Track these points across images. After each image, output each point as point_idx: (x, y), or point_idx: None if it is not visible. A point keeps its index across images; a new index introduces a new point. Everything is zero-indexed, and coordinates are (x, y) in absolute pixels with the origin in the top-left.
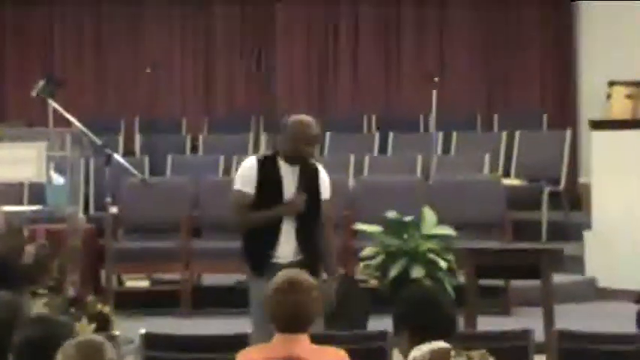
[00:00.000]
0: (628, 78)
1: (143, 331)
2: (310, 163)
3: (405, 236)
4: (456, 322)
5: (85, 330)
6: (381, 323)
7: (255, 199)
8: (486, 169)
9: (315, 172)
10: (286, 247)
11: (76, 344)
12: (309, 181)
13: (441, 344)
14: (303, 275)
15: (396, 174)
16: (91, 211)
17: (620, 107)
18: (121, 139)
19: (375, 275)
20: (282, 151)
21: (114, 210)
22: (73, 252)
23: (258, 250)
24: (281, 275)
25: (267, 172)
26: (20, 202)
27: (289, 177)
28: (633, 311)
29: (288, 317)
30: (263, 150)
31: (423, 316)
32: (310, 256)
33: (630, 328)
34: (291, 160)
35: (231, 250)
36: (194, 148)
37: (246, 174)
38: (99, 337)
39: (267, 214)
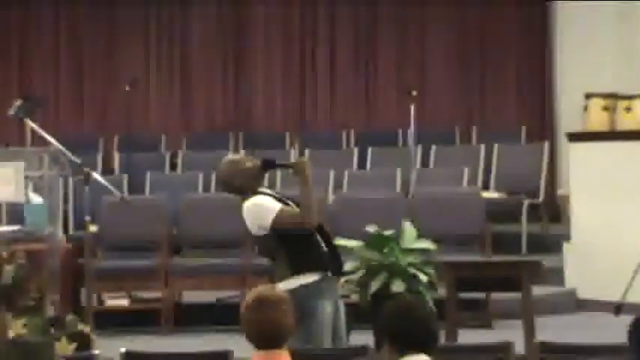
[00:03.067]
0: (604, 90)
1: (124, 349)
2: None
3: (386, 251)
4: (437, 335)
5: (66, 350)
6: (362, 338)
7: None
8: (465, 183)
9: (272, 160)
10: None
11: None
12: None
13: (422, 357)
14: (271, 290)
15: (375, 189)
16: (71, 230)
17: (597, 119)
18: (99, 158)
19: (356, 290)
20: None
21: (93, 229)
22: (52, 272)
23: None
24: (250, 294)
25: (277, 198)
26: None
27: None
28: (613, 322)
29: (262, 334)
30: None
31: (403, 329)
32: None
33: (610, 339)
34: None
35: (211, 267)
36: (173, 166)
37: (264, 202)
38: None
39: (304, 190)
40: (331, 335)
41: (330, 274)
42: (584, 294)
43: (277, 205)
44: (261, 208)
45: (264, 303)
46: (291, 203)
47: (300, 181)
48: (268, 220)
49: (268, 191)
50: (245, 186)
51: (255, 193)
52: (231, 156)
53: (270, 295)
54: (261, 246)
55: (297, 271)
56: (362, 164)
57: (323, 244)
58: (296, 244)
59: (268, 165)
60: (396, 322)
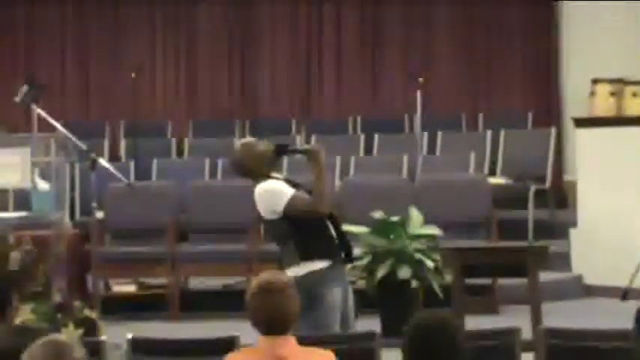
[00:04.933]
0: (611, 75)
1: (130, 335)
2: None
3: (392, 237)
4: (465, 354)
5: (72, 335)
6: (368, 324)
7: None
8: (472, 169)
9: (285, 145)
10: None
11: (41, 344)
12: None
13: None
14: (276, 275)
15: (382, 175)
16: (77, 216)
17: (603, 104)
18: (106, 144)
19: (363, 276)
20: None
21: (100, 215)
22: (59, 258)
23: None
24: (255, 279)
25: (290, 183)
26: (5, 209)
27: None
28: (620, 308)
29: (268, 320)
30: None
31: (433, 346)
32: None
33: (617, 324)
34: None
35: (218, 253)
36: (179, 152)
37: (277, 187)
38: (65, 338)
39: (318, 177)
40: (340, 322)
41: (339, 260)
42: (590, 280)
43: (290, 191)
44: (274, 193)
45: (269, 289)
46: (302, 190)
47: (314, 168)
48: (281, 205)
49: (281, 176)
50: (257, 170)
51: (268, 177)
52: (244, 139)
53: (276, 280)
54: (271, 231)
55: (306, 258)
56: (368, 150)
57: (333, 231)
58: (307, 230)
59: (282, 150)
60: (418, 344)
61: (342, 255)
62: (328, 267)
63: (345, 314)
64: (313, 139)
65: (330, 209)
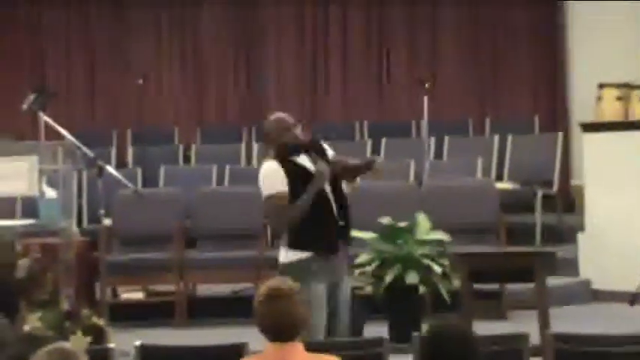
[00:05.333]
0: (618, 80)
1: (138, 343)
2: (313, 142)
3: (399, 242)
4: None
5: (80, 343)
6: (376, 329)
7: (291, 196)
8: (479, 174)
9: (320, 145)
10: (332, 237)
11: (47, 352)
12: (321, 157)
13: None
14: (283, 282)
15: (389, 180)
16: (85, 223)
17: (610, 109)
18: (113, 151)
19: (370, 282)
20: (280, 153)
21: (107, 222)
22: (66, 265)
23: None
24: (263, 286)
25: (291, 166)
26: (13, 217)
27: (308, 164)
28: (628, 313)
29: (276, 327)
30: (255, 159)
31: (450, 353)
32: (347, 220)
33: (625, 329)
34: (295, 152)
35: (226, 259)
36: (187, 159)
37: (273, 175)
38: (71, 346)
39: (303, 198)
40: (326, 317)
41: (324, 255)
42: (598, 284)
43: (276, 188)
44: (265, 179)
45: (277, 295)
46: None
47: (311, 184)
48: (263, 195)
49: (299, 161)
50: (274, 145)
51: (281, 159)
52: (282, 114)
53: (283, 287)
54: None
55: (292, 245)
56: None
57: (330, 222)
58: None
59: (294, 150)
60: (434, 351)
61: (333, 248)
62: (308, 259)
63: (335, 310)
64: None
65: (345, 199)
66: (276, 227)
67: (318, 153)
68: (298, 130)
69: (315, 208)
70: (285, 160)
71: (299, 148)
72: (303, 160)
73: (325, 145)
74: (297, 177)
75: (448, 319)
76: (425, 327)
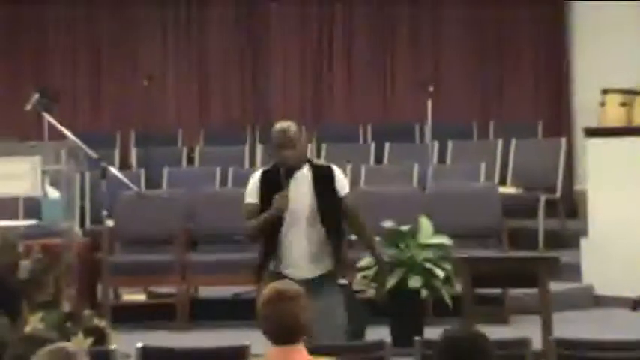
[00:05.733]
0: (621, 85)
1: (140, 344)
2: (322, 165)
3: (402, 246)
4: None
5: (82, 344)
6: (379, 333)
7: (261, 209)
8: (482, 178)
9: (329, 171)
10: (298, 260)
11: (48, 352)
12: (323, 184)
13: None
14: (287, 285)
15: (392, 184)
16: (87, 225)
17: (614, 115)
18: (116, 153)
19: (372, 286)
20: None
21: (110, 223)
22: (69, 266)
23: (260, 260)
24: (267, 288)
25: (270, 182)
26: (15, 217)
27: (299, 183)
28: (630, 318)
29: (279, 329)
30: (259, 161)
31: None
32: (334, 260)
33: (627, 334)
34: (281, 166)
35: (228, 262)
36: (190, 161)
37: (250, 186)
38: (72, 346)
39: (259, 219)
40: None
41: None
42: (601, 290)
43: (246, 199)
44: (247, 187)
45: (280, 298)
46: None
47: (271, 209)
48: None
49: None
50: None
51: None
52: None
53: (287, 289)
54: None
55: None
56: (379, 159)
57: (292, 246)
58: (271, 229)
59: (288, 174)
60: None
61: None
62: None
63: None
64: (324, 147)
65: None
66: (249, 235)
67: (324, 178)
68: (285, 153)
69: (276, 230)
70: (272, 172)
71: (283, 171)
72: (301, 178)
73: (337, 172)
74: (271, 193)
75: (461, 325)
76: (440, 332)
